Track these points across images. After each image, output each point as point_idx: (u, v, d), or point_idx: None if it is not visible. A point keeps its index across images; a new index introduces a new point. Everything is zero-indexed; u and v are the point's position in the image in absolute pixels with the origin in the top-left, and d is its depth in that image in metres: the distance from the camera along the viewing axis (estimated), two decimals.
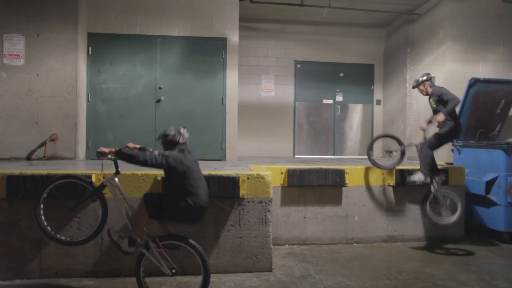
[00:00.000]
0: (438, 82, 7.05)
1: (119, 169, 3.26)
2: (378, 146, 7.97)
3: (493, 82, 6.03)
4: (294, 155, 8.67)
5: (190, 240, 3.14)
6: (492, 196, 5.18)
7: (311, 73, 8.77)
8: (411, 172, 4.95)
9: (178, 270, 3.75)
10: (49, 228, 3.32)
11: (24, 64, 5.69)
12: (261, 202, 3.98)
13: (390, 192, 5.10)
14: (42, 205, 3.29)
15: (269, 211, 4.00)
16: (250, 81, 8.55)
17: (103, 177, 3.54)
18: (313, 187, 4.90)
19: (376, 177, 5.06)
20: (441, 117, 4.53)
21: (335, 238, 5.00)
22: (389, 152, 5.33)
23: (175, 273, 3.20)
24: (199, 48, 6.42)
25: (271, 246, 4.01)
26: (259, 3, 7.31)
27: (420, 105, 7.42)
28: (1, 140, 5.61)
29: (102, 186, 3.25)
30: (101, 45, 6.24)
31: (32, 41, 5.70)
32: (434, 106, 4.77)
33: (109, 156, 3.13)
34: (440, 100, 4.67)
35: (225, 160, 6.31)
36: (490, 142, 5.70)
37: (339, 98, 8.83)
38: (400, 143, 5.03)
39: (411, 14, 7.83)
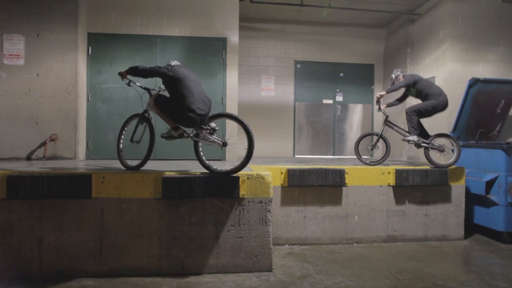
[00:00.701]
0: (438, 82, 7.06)
1: (152, 92, 4.18)
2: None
3: (493, 82, 6.04)
4: (294, 155, 8.67)
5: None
6: (492, 196, 5.18)
7: (311, 73, 8.77)
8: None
9: (178, 270, 3.78)
10: (122, 153, 4.20)
11: (24, 64, 5.69)
12: (261, 202, 3.98)
13: (390, 192, 5.10)
14: (122, 135, 4.23)
15: (269, 211, 4.00)
16: (250, 81, 8.55)
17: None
18: (313, 187, 4.90)
19: (376, 177, 5.06)
20: (380, 92, 5.71)
21: (335, 238, 5.00)
22: (373, 147, 5.50)
23: (225, 144, 3.95)
24: (199, 48, 6.42)
25: (271, 246, 4.01)
26: (259, 3, 7.31)
27: None
28: (1, 140, 5.62)
29: (145, 111, 4.12)
30: (101, 45, 6.24)
31: (32, 41, 5.71)
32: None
33: (131, 83, 4.10)
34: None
35: (225, 160, 6.31)
36: (490, 142, 5.70)
37: (339, 98, 8.83)
38: (383, 139, 5.47)
39: (411, 14, 7.83)
